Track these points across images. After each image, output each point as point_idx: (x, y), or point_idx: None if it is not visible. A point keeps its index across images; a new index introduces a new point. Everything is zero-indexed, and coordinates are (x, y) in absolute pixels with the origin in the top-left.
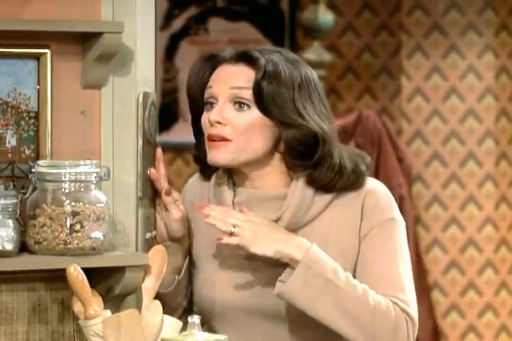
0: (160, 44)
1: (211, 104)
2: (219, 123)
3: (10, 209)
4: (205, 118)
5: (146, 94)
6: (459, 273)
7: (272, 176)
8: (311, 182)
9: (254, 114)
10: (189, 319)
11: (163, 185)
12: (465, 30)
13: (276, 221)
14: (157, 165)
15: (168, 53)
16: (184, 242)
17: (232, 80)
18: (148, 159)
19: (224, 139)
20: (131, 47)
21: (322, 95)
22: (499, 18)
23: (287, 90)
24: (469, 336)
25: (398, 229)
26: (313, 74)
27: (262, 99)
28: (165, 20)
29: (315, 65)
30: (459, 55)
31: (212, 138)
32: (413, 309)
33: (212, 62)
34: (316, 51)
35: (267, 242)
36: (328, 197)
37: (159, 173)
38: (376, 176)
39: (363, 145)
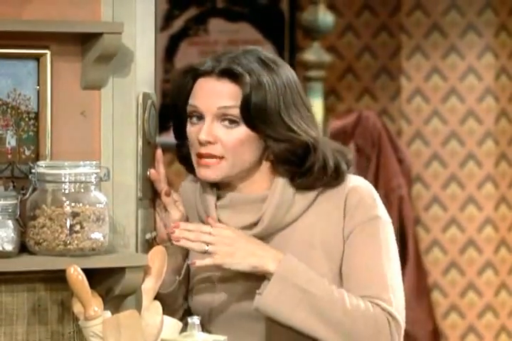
0: (160, 45)
1: (196, 117)
2: (209, 142)
3: (10, 209)
4: (193, 132)
5: (145, 95)
6: (459, 273)
7: (258, 182)
8: (293, 182)
9: (242, 130)
10: (189, 320)
11: (162, 185)
12: (465, 31)
13: (256, 223)
14: (157, 166)
15: (168, 54)
16: None
17: (219, 99)
18: (148, 160)
19: (215, 157)
20: (130, 47)
21: (303, 96)
22: (499, 19)
23: (273, 104)
24: (469, 337)
25: (383, 227)
26: (293, 74)
27: (250, 117)
28: (165, 21)
29: (315, 65)
30: (458, 56)
31: (202, 156)
32: (397, 308)
33: (193, 74)
34: (315, 52)
35: (241, 258)
36: (310, 197)
37: (159, 174)
38: (376, 177)
39: (363, 146)
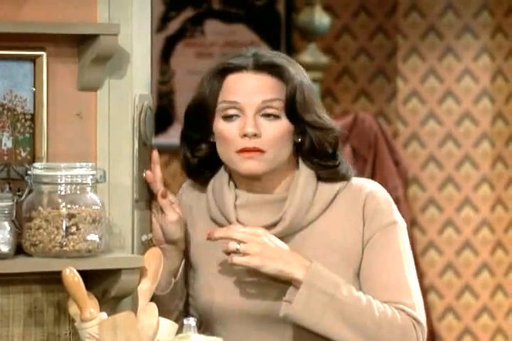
0: (156, 46)
1: (232, 115)
2: (255, 135)
3: (6, 211)
4: (229, 129)
5: (142, 97)
6: (455, 275)
7: (281, 177)
8: (315, 177)
9: (283, 123)
10: (185, 321)
11: (159, 187)
12: (461, 33)
13: (278, 222)
14: (153, 168)
15: (164, 55)
16: (180, 245)
17: (262, 93)
18: (144, 161)
19: (260, 150)
20: (127, 49)
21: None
22: (495, 21)
23: (310, 96)
24: (465, 339)
25: (400, 231)
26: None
27: (295, 109)
28: (161, 22)
29: (311, 67)
30: (455, 58)
31: (246, 150)
32: (420, 312)
33: (223, 71)
34: (312, 53)
35: (269, 259)
36: (328, 198)
37: (155, 176)
38: (372, 178)
39: (359, 148)
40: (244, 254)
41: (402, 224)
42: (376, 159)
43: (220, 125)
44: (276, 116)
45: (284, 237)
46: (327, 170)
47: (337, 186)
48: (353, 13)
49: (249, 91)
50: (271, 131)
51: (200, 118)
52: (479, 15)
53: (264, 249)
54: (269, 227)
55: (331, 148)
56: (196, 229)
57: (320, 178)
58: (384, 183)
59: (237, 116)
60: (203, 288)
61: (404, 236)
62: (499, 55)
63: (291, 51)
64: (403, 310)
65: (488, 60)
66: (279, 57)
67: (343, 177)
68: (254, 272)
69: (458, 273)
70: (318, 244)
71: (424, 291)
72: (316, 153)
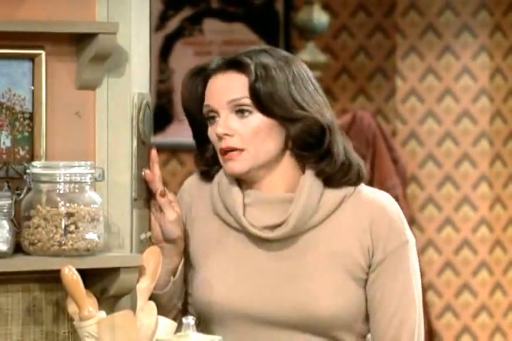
0: (155, 45)
1: (213, 117)
2: (227, 135)
3: (4, 210)
4: (212, 132)
5: (140, 95)
6: (454, 274)
7: (283, 178)
8: (320, 178)
9: (257, 117)
10: (184, 320)
11: (157, 186)
12: (460, 31)
13: (281, 224)
14: (152, 167)
15: (162, 54)
16: (179, 243)
17: (227, 94)
18: (142, 160)
19: (236, 149)
20: (125, 48)
21: (317, 85)
22: (494, 19)
23: (282, 87)
24: (464, 337)
25: (412, 251)
26: (305, 67)
27: (261, 102)
28: (160, 21)
29: (309, 66)
30: (453, 56)
31: (224, 151)
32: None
33: (202, 75)
34: (310, 52)
35: None
36: (335, 203)
37: (154, 174)
38: (371, 177)
39: (358, 147)
40: None
41: (412, 242)
42: (375, 157)
43: (208, 130)
44: (250, 112)
45: (287, 239)
46: (325, 172)
47: (343, 192)
48: (352, 12)
49: (217, 92)
50: (245, 127)
51: (194, 123)
52: (478, 14)
53: None
54: (272, 228)
55: (312, 139)
56: (197, 225)
57: (326, 183)
58: (382, 182)
59: (217, 117)
60: (201, 286)
61: (414, 254)
62: (498, 53)
63: (290, 50)
64: None
65: (487, 58)
66: (259, 54)
67: (347, 177)
68: (253, 272)
69: (456, 271)
70: (319, 250)
71: (423, 290)
72: (299, 145)
